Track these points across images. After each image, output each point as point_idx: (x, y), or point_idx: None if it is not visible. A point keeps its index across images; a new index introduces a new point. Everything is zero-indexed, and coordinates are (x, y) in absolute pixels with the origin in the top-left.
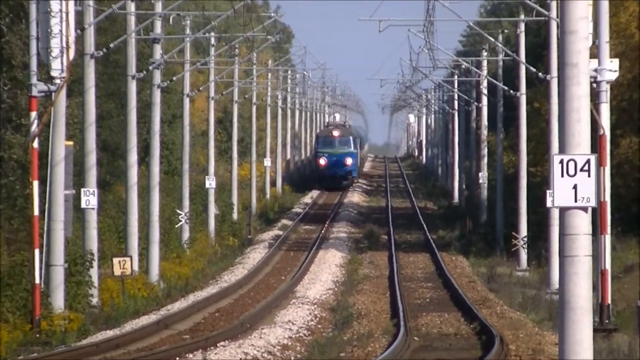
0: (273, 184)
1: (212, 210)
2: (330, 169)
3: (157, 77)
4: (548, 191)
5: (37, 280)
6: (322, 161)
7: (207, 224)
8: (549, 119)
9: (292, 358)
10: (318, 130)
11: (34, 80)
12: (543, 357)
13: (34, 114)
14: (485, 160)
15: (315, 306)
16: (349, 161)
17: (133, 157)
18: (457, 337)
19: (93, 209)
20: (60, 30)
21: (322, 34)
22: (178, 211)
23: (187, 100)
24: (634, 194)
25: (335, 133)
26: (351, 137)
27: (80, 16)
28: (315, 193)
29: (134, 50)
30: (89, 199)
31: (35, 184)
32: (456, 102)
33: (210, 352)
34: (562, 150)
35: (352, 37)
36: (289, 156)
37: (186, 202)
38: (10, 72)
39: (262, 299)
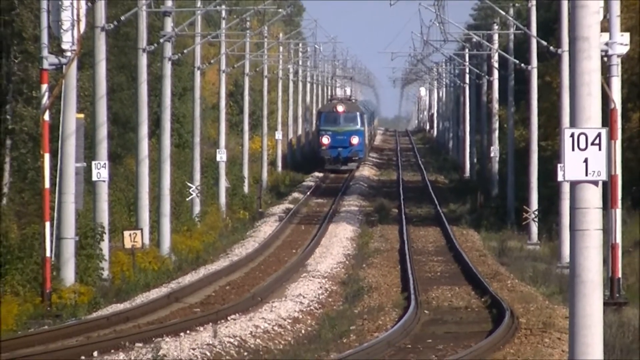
0: (284, 157)
1: (223, 183)
2: (334, 148)
3: (168, 50)
4: (559, 165)
5: (48, 253)
6: (325, 140)
7: (218, 197)
8: (560, 93)
9: (303, 331)
10: (320, 105)
11: (45, 53)
12: (553, 330)
13: (45, 87)
14: (497, 134)
15: (326, 279)
16: (355, 140)
17: (144, 130)
18: (468, 311)
19: (104, 181)
20: (71, 3)
21: (333, 7)
22: (189, 184)
23: (198, 73)
24: None
25: (340, 108)
26: (358, 113)
27: None
28: None
29: (145, 23)
30: (100, 171)
31: (46, 156)
32: (467, 76)
33: (220, 325)
34: (572, 124)
35: (363, 10)
36: (300, 130)
37: (197, 176)
38: (21, 45)
39: (273, 272)
